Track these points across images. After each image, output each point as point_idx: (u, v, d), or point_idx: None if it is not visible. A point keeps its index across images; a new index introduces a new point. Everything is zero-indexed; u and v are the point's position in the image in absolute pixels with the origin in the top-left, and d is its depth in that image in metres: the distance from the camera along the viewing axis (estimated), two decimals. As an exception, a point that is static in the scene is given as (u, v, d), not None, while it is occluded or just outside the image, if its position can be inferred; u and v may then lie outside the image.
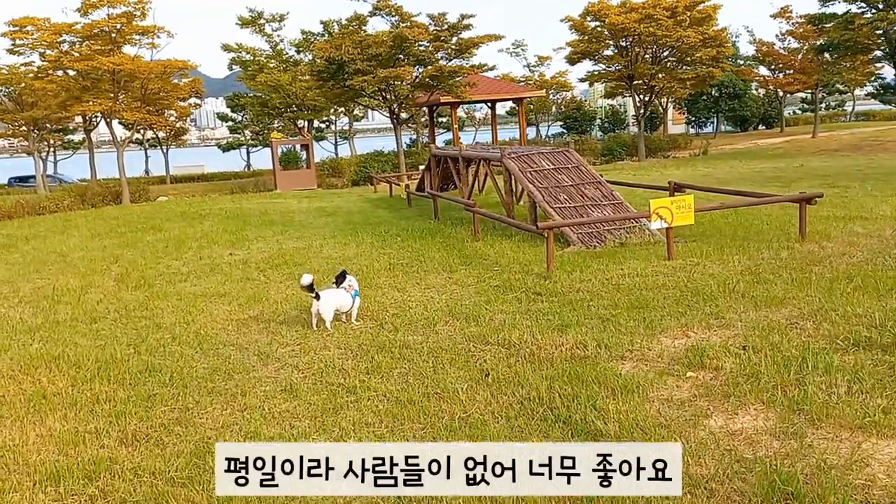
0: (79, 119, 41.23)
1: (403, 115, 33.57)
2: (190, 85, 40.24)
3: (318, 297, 7.67)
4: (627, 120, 53.67)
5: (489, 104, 40.87)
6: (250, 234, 15.67)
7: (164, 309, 9.14)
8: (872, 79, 48.45)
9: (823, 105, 69.64)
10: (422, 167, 29.47)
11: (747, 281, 8.05)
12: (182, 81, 36.07)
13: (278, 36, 37.41)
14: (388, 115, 31.82)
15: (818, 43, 32.05)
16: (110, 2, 26.79)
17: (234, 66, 38.68)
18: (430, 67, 28.43)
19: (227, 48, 36.66)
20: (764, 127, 55.48)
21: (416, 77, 29.25)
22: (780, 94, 50.13)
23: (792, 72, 41.26)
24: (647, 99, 35.19)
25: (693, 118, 53.24)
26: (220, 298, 9.55)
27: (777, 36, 43.07)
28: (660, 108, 48.32)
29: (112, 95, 28.77)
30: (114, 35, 27.92)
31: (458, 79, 28.87)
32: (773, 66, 44.50)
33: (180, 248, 14.38)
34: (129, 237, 16.70)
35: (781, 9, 39.28)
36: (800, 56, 41.18)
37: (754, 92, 49.16)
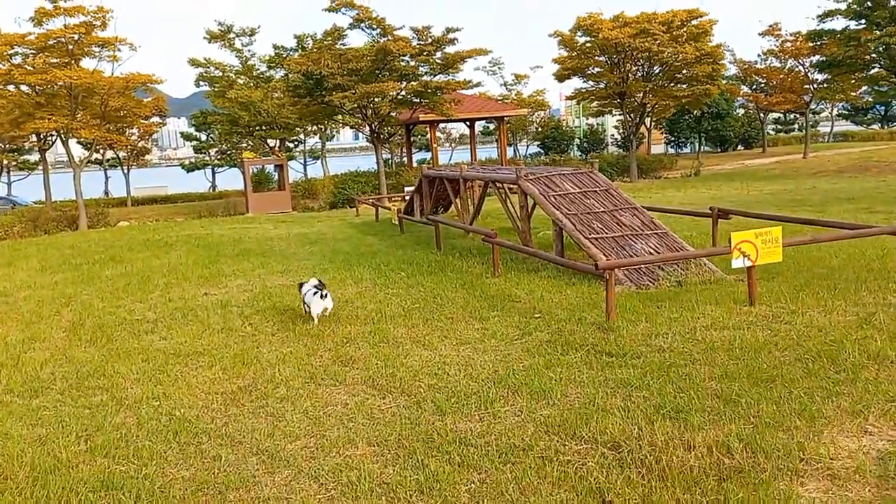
0: (34, 138, 38.66)
1: (385, 133, 31.78)
2: (153, 102, 38.02)
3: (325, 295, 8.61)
4: (606, 139, 52.58)
5: (468, 123, 39.46)
6: (226, 268, 13.66)
7: (127, 375, 7.15)
8: (843, 101, 48.09)
9: (796, 126, 69.77)
10: (408, 188, 27.70)
11: (882, 338, 6.36)
12: (146, 99, 33.90)
13: (249, 51, 35.48)
14: (367, 132, 30.00)
15: (816, 59, 31.10)
16: (67, 11, 24.64)
17: (200, 83, 36.61)
18: (415, 83, 26.76)
19: (194, 63, 34.59)
20: (743, 147, 54.86)
21: (399, 93, 27.53)
22: (762, 114, 49.54)
23: (779, 91, 40.47)
24: (637, 118, 33.91)
25: (673, 138, 52.35)
26: (197, 359, 7.59)
27: (759, 55, 42.38)
28: (643, 128, 47.31)
29: (69, 112, 26.50)
30: (71, 47, 25.73)
31: (443, 95, 27.20)
32: (755, 86, 43.75)
33: (145, 285, 12.32)
34: (85, 271, 14.55)
35: (770, 26, 38.56)
36: (788, 74, 40.40)
37: (735, 112, 48.41)
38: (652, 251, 10.11)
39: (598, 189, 12.00)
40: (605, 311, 8.02)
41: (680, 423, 4.98)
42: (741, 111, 50.93)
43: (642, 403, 5.42)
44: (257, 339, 8.23)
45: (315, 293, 8.68)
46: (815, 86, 38.26)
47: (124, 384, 6.90)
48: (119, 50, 26.44)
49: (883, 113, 66.85)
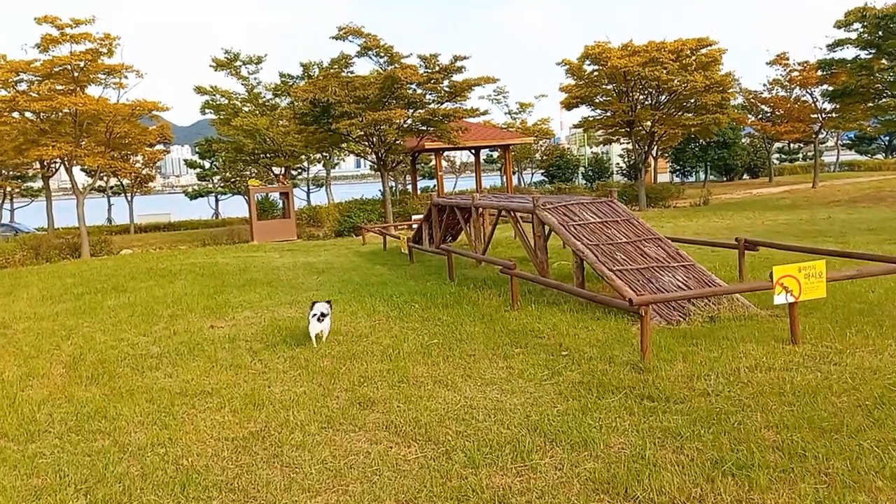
0: (37, 165, 38.43)
1: (391, 161, 31.48)
2: (158, 130, 37.84)
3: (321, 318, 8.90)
4: (611, 168, 52.35)
5: (473, 151, 39.24)
6: (233, 299, 13.21)
7: (131, 418, 6.67)
8: (855, 130, 47.92)
9: (800, 155, 69.64)
10: (415, 217, 27.33)
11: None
12: (151, 126, 33.71)
13: (255, 79, 35.34)
14: (373, 160, 29.69)
15: (826, 89, 30.89)
16: (73, 38, 24.47)
17: (206, 111, 36.42)
18: (422, 111, 26.51)
19: (200, 90, 34.45)
20: (748, 176, 54.60)
21: (406, 121, 27.29)
22: (768, 143, 49.35)
23: (787, 120, 40.25)
24: (646, 147, 33.62)
25: (678, 167, 52.11)
26: (205, 399, 7.11)
27: (764, 84, 42.24)
28: (649, 157, 47.10)
29: (73, 139, 26.23)
30: (77, 74, 25.52)
31: (450, 123, 26.95)
32: (760, 115, 43.56)
33: (149, 317, 11.87)
34: (86, 301, 14.11)
35: (778, 55, 38.43)
36: (794, 103, 40.19)
37: (741, 141, 48.20)
38: (680, 284, 9.66)
39: (618, 219, 11.59)
40: (637, 350, 7.58)
41: (744, 481, 4.50)
42: (746, 140, 50.74)
43: (697, 457, 4.94)
44: (268, 377, 7.76)
45: (314, 315, 9.00)
46: (823, 115, 38.03)
47: (127, 428, 6.42)
48: (125, 77, 26.26)
49: (887, 143, 66.70)
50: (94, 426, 6.52)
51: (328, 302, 9.40)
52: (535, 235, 12.33)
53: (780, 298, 7.39)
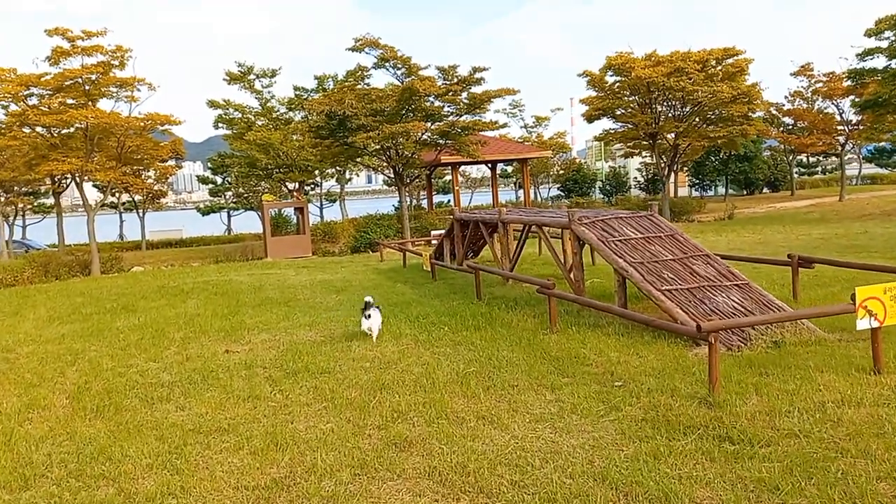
0: (48, 181, 38.02)
1: (409, 175, 30.81)
2: (171, 145, 37.41)
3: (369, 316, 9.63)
4: (629, 182, 51.55)
5: (489, 165, 38.57)
6: (248, 320, 12.51)
7: (138, 459, 5.93)
8: (889, 141, 46.86)
9: (819, 169, 68.59)
10: (435, 232, 26.62)
11: None
12: (164, 142, 33.31)
13: (269, 92, 34.84)
14: (390, 175, 29.04)
15: (855, 99, 29.99)
16: (85, 50, 24.01)
17: (219, 125, 35.94)
18: (441, 123, 25.88)
19: (213, 104, 33.98)
20: (769, 190, 53.65)
21: (424, 134, 26.66)
22: (790, 156, 48.44)
23: (811, 132, 39.37)
24: (669, 160, 32.78)
25: (697, 181, 51.25)
26: (221, 438, 6.37)
27: (786, 96, 41.36)
28: (666, 170, 46.36)
29: (84, 154, 25.73)
30: (88, 87, 25.06)
31: (468, 136, 26.29)
32: (782, 128, 42.65)
33: (159, 340, 11.17)
34: (95, 322, 13.45)
35: (802, 66, 37.61)
36: (818, 114, 39.30)
37: (762, 154, 47.28)
38: (737, 305, 8.86)
39: (661, 234, 10.81)
40: (701, 380, 6.82)
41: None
42: (766, 153, 49.81)
43: (807, 519, 4.14)
44: (290, 411, 7.01)
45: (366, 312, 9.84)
46: (850, 127, 37.14)
47: (134, 472, 5.68)
48: (138, 90, 25.77)
49: (909, 155, 65.54)
50: (97, 469, 5.79)
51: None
52: (571, 252, 11.55)
53: (863, 323, 6.59)
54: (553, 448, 5.60)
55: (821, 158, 63.83)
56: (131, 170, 32.41)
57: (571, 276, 11.71)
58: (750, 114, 30.44)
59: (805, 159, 65.52)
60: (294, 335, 10.84)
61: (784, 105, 41.96)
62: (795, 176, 62.45)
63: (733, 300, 8.98)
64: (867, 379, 6.60)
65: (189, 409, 7.34)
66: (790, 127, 42.56)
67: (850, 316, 7.43)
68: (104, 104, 26.51)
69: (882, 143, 54.62)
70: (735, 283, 9.43)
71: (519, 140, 44.43)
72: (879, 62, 28.01)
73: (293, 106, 35.49)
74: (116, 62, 24.57)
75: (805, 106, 41.44)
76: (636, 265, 9.78)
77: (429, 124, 26.46)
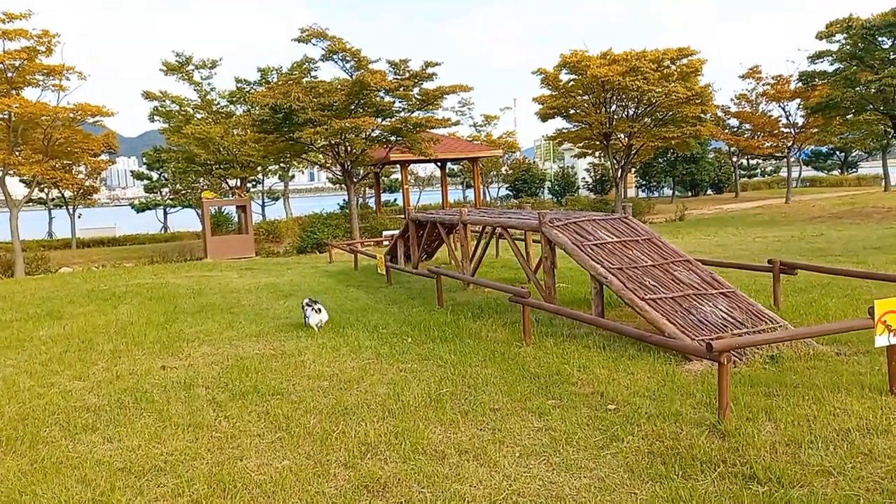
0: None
1: (358, 173, 29.70)
2: (103, 138, 35.43)
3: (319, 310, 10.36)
4: (578, 183, 51.43)
5: (439, 163, 37.76)
6: (187, 329, 11.40)
7: (53, 512, 4.89)
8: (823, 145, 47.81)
9: (758, 171, 69.94)
10: (386, 233, 25.66)
11: None
12: (96, 135, 31.40)
13: (209, 84, 33.22)
14: (338, 172, 27.95)
15: (801, 102, 30.15)
16: (6, 34, 22.23)
17: (155, 118, 34.13)
18: (394, 119, 24.92)
19: (148, 96, 32.23)
20: (713, 192, 54.32)
21: (374, 130, 25.65)
22: (734, 158, 49.03)
23: (763, 135, 39.74)
24: (622, 160, 32.50)
25: (643, 182, 51.49)
26: (157, 480, 5.36)
27: (732, 99, 41.71)
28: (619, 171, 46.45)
29: (6, 146, 23.89)
30: (11, 74, 23.25)
31: (421, 133, 25.42)
32: (729, 130, 43.01)
33: (87, 352, 9.99)
34: (15, 330, 12.12)
35: (751, 69, 37.89)
36: (762, 117, 39.70)
37: (708, 156, 47.68)
38: (725, 316, 8.24)
39: (638, 238, 10.16)
40: (705, 403, 6.16)
41: None
42: (711, 155, 50.36)
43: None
44: (239, 444, 6.03)
45: (309, 307, 10.62)
46: (796, 130, 37.58)
47: (47, 530, 4.64)
48: (67, 79, 24.05)
49: (843, 159, 67.45)
50: (0, 527, 4.74)
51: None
52: (542, 257, 10.81)
53: (882, 340, 5.99)
54: (554, 492, 4.80)
55: (760, 161, 65.04)
56: (60, 164, 30.49)
57: (542, 282, 10.97)
58: (702, 115, 30.40)
59: (746, 162, 66.78)
60: (239, 348, 9.81)
61: (730, 107, 42.34)
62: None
63: (721, 310, 8.36)
64: (886, 402, 6.00)
65: (118, 440, 6.29)
66: (735, 129, 42.99)
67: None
68: (29, 93, 24.71)
69: (820, 147, 55.92)
70: (721, 290, 8.82)
71: (468, 139, 43.76)
72: (828, 65, 28.30)
73: (235, 99, 34.00)
74: (43, 48, 22.86)
75: (749, 109, 41.86)
76: (615, 271, 9.09)
77: (380, 120, 25.45)
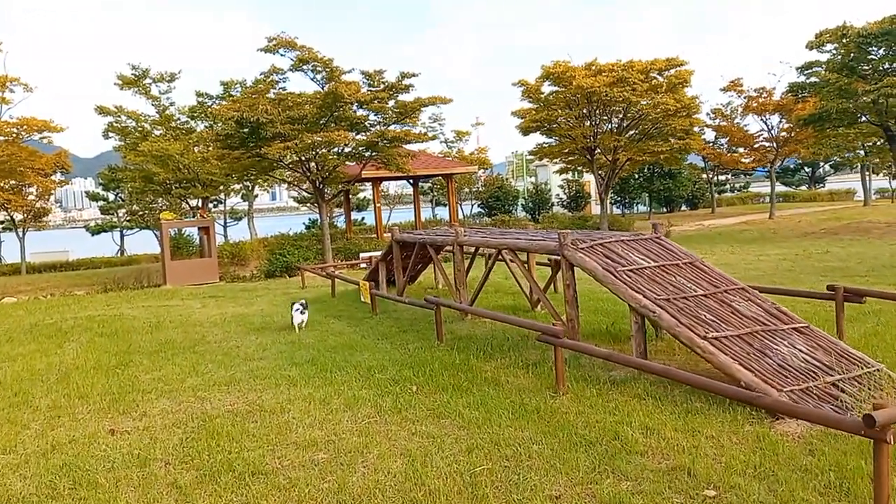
0: None
1: (331, 191, 27.96)
2: (55, 157, 33.18)
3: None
4: (551, 199, 50.23)
5: (411, 181, 36.19)
6: (143, 375, 9.60)
7: None
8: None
9: (727, 187, 69.77)
10: (364, 255, 23.97)
11: None
12: (44, 153, 29.22)
13: (167, 99, 31.23)
14: (309, 190, 26.18)
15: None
16: (-58, 41, 20.15)
17: (110, 134, 31.99)
18: (370, 133, 23.32)
19: (102, 111, 30.10)
20: (687, 208, 53.58)
21: (348, 146, 24.01)
22: (711, 174, 48.36)
23: (744, 148, 38.93)
24: (608, 176, 31.21)
25: (619, 198, 50.52)
26: None
27: (708, 114, 40.93)
28: (587, 186, 45.31)
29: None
30: (-53, 85, 21.14)
31: (398, 148, 23.87)
32: (707, 143, 42.22)
33: (19, 410, 8.16)
34: (-68, 380, 10.15)
35: (732, 82, 37.10)
36: (738, 130, 38.98)
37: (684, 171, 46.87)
38: (808, 358, 6.78)
39: (679, 262, 8.69)
40: (833, 485, 4.63)
41: None
42: (685, 171, 49.64)
43: None
44: (212, 562, 4.33)
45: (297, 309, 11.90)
46: (777, 144, 36.82)
47: None
48: (11, 90, 22.01)
49: (810, 174, 67.58)
50: None
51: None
52: (565, 284, 9.26)
53: None
54: None
55: (730, 177, 64.73)
56: (8, 185, 28.24)
57: (564, 317, 9.42)
58: (690, 128, 29.36)
59: (716, 177, 66.47)
60: (206, 402, 8.05)
61: (706, 121, 41.60)
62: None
63: (801, 350, 6.90)
64: None
65: (42, 558, 4.54)
66: (710, 143, 42.24)
67: None
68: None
69: (786, 163, 55.69)
70: (793, 325, 7.38)
71: (441, 155, 42.28)
72: (817, 77, 27.43)
73: (195, 114, 32.04)
74: (-18, 56, 20.79)
75: (725, 124, 41.14)
76: (661, 303, 7.58)
77: (353, 134, 23.82)
